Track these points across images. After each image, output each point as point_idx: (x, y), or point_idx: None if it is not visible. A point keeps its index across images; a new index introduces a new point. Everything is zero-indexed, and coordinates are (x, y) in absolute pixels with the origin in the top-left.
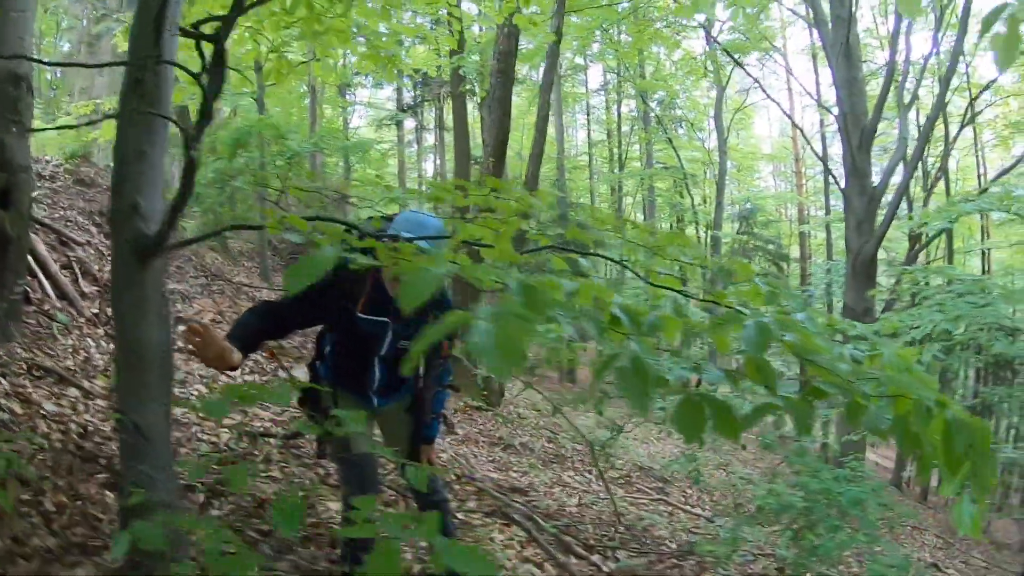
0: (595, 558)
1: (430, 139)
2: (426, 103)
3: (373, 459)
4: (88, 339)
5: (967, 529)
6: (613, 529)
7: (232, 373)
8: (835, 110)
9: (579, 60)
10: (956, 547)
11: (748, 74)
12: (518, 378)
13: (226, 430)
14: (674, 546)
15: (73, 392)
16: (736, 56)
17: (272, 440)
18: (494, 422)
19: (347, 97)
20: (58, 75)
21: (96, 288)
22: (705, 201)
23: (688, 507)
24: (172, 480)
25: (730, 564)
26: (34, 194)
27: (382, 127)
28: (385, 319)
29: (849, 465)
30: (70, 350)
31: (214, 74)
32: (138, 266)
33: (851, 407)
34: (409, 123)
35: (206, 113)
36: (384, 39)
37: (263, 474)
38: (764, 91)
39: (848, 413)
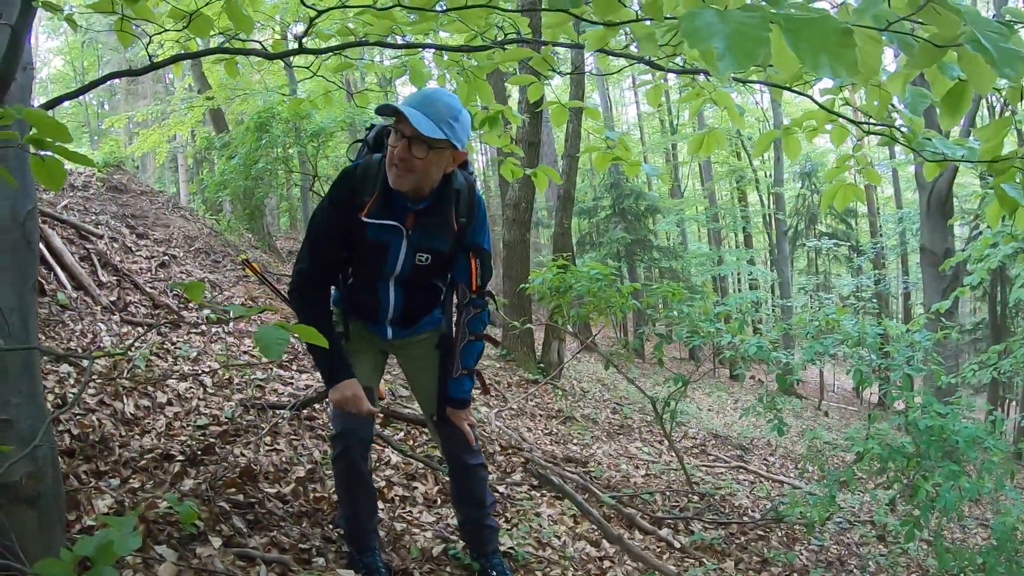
0: (664, 532)
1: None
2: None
3: (370, 394)
4: (100, 324)
5: None
6: (686, 499)
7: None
8: None
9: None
10: None
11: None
12: (572, 334)
13: (231, 403)
14: (757, 515)
15: (64, 369)
16: None
17: (282, 412)
18: (552, 395)
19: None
20: (105, 107)
21: (116, 277)
22: (763, 161)
23: (771, 475)
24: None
25: (824, 532)
26: (64, 203)
27: None
28: (396, 223)
29: (955, 401)
30: (78, 334)
31: None
32: None
33: None
34: None
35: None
36: None
37: (267, 447)
38: None
39: None
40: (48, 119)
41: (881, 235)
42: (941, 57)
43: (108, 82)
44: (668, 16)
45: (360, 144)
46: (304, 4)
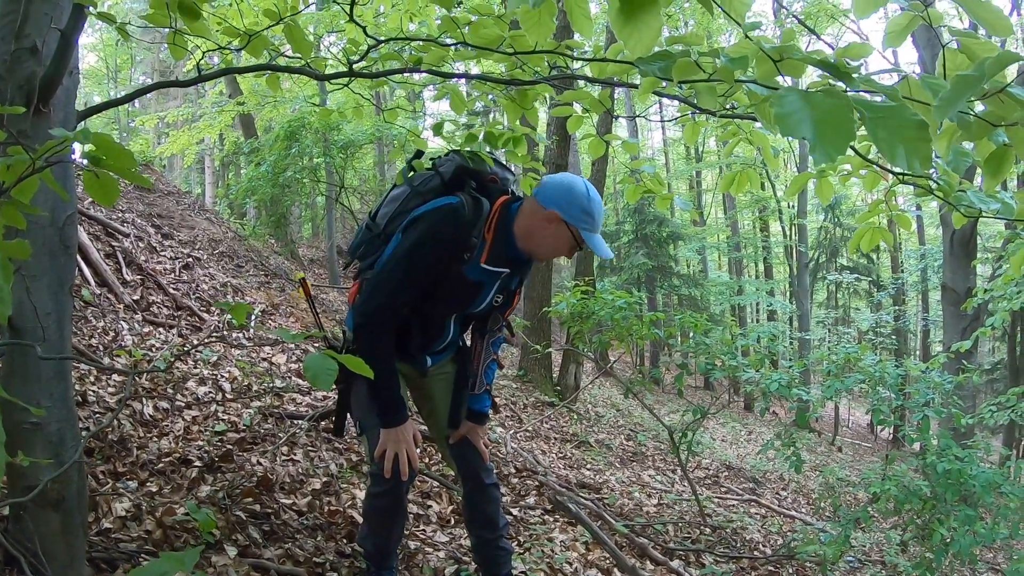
0: (675, 563)
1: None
2: (497, 107)
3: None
4: (122, 322)
5: None
6: (698, 531)
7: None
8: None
9: None
10: None
11: (826, 44)
12: (591, 359)
13: (250, 410)
14: (768, 551)
15: (84, 366)
16: (810, 25)
17: (300, 422)
18: (568, 418)
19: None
20: (136, 106)
21: (140, 276)
22: (788, 191)
23: (783, 510)
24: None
25: (835, 570)
26: (91, 199)
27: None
28: (503, 269)
29: (973, 444)
30: (100, 331)
31: None
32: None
33: None
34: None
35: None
36: None
37: (284, 457)
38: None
39: None
40: (115, 145)
41: (903, 271)
42: (993, 131)
43: (140, 81)
44: (738, 79)
45: (429, 171)
46: (367, 35)
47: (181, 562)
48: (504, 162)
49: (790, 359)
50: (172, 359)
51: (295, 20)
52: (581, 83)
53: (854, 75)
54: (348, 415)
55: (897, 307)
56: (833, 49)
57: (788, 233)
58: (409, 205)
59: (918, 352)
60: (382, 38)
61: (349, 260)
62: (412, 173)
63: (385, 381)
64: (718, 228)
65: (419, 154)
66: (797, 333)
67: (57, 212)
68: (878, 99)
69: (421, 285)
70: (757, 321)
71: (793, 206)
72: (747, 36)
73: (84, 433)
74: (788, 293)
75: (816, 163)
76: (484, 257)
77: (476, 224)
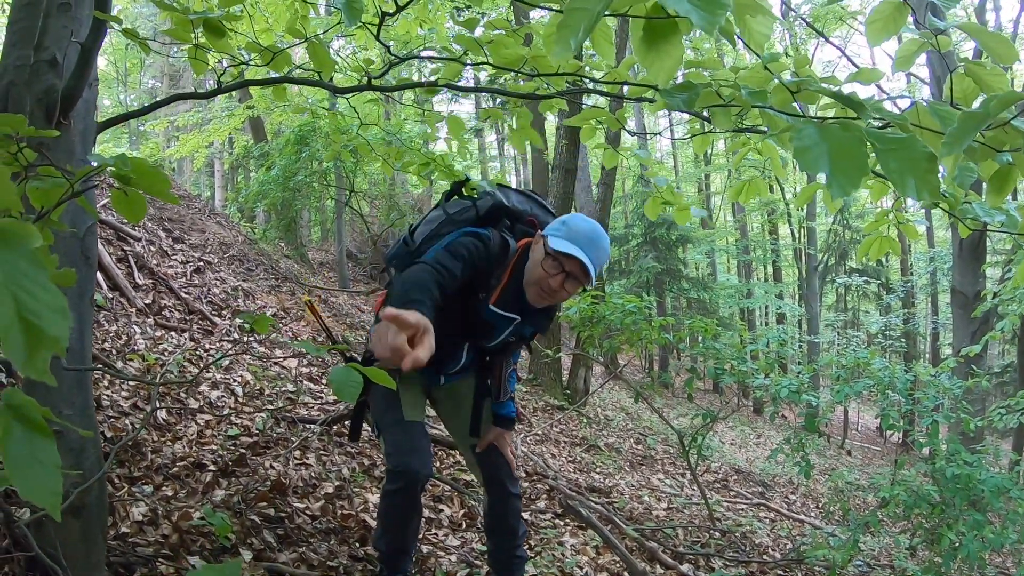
0: (685, 567)
1: (511, 150)
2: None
3: (426, 431)
4: (135, 326)
5: None
6: (707, 535)
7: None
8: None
9: None
10: None
11: (835, 47)
12: (601, 363)
13: (263, 415)
14: (778, 555)
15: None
16: (818, 28)
17: (312, 427)
18: (577, 422)
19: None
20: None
21: (152, 281)
22: (795, 194)
23: (792, 514)
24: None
25: (843, 574)
26: (103, 202)
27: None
28: (515, 316)
29: (982, 449)
30: (112, 335)
31: None
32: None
33: None
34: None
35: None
36: None
37: (296, 461)
38: (852, 63)
39: None
40: (151, 169)
41: (912, 274)
42: (996, 154)
43: (150, 85)
44: (754, 104)
45: (467, 200)
46: (390, 53)
47: (222, 574)
48: (548, 205)
49: (799, 363)
50: (198, 372)
51: (319, 39)
52: (595, 98)
53: (866, 105)
54: (364, 420)
55: (906, 310)
56: (843, 51)
57: (797, 236)
58: (442, 231)
59: (927, 355)
60: (403, 54)
61: (384, 267)
62: (454, 198)
63: (414, 280)
64: (727, 231)
65: (466, 180)
66: (806, 336)
67: (79, 224)
68: (889, 129)
69: (458, 271)
70: (766, 324)
71: (802, 209)
72: (767, 68)
73: (107, 447)
74: (797, 296)
75: (832, 197)
76: (493, 299)
77: (501, 264)
